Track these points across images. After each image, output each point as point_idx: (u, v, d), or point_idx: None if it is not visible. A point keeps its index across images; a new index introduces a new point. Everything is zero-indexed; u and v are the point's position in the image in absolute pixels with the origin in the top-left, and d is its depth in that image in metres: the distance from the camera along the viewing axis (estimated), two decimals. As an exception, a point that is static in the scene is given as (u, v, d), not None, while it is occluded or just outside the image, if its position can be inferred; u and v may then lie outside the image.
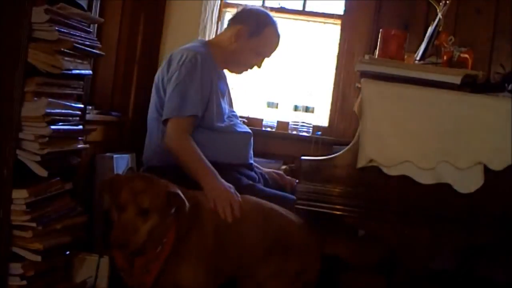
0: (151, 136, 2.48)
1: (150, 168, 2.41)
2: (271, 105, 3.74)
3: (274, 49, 2.59)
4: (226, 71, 2.64)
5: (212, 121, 2.40)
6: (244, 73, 2.65)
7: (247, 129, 2.58)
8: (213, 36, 3.36)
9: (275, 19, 2.58)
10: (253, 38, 2.51)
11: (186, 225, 1.93)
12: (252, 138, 2.56)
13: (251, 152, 2.55)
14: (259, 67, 2.61)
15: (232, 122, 2.52)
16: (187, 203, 1.87)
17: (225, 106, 2.52)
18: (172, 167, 2.26)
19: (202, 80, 2.36)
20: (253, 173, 2.50)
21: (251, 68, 2.61)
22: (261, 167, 2.68)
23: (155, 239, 1.85)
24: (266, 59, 2.61)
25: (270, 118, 3.51)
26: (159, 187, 1.83)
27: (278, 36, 2.56)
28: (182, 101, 2.32)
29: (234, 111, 2.66)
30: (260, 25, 2.52)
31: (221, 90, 2.52)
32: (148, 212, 1.78)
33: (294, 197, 2.23)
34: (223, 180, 2.18)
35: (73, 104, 2.18)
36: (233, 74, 2.68)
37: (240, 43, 2.52)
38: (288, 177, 2.67)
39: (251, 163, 2.53)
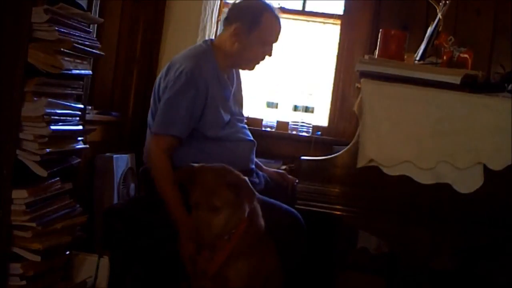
0: (148, 139, 2.47)
1: (147, 169, 2.41)
2: (271, 105, 3.74)
3: (279, 32, 2.48)
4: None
5: (205, 131, 2.35)
6: (257, 66, 2.56)
7: (249, 136, 2.53)
8: (213, 36, 3.35)
9: (268, 2, 2.46)
10: (254, 31, 2.40)
11: (256, 222, 2.00)
12: (254, 146, 2.52)
13: (253, 157, 2.51)
14: (270, 55, 2.51)
15: (233, 129, 2.45)
16: (255, 194, 1.97)
17: (225, 113, 2.43)
18: None
19: (195, 97, 2.30)
20: (253, 178, 2.46)
21: (262, 59, 2.52)
22: (264, 167, 2.67)
23: (227, 230, 1.93)
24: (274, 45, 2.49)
25: (270, 118, 3.51)
26: (229, 182, 1.92)
27: (277, 18, 2.46)
28: (168, 119, 2.29)
29: (242, 114, 2.60)
30: (256, 16, 2.40)
31: (222, 97, 2.43)
32: (219, 208, 1.89)
33: (282, 204, 2.28)
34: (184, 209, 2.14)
35: (73, 104, 2.18)
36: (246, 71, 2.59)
37: (241, 41, 2.41)
38: (290, 176, 2.67)
39: (252, 168, 2.49)
